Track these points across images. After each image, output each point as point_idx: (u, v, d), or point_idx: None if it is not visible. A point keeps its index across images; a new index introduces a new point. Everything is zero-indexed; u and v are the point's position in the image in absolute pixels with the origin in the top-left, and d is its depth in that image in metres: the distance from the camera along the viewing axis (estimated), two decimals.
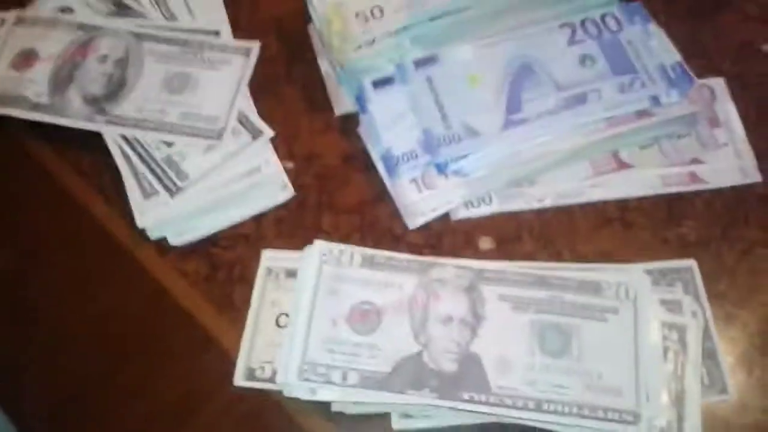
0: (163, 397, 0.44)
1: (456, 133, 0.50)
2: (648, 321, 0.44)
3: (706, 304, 0.46)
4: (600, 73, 0.52)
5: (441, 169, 0.49)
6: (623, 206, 0.51)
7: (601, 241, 0.49)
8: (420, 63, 0.53)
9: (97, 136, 0.52)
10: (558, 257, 0.49)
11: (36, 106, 0.53)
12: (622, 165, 0.52)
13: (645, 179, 0.51)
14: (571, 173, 0.52)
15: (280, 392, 0.43)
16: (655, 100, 0.51)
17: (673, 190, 0.51)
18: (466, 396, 0.41)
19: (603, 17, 0.54)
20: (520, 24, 0.54)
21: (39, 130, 0.54)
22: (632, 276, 0.46)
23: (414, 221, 0.50)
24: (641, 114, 0.51)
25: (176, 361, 0.46)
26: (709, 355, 0.45)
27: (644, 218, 0.50)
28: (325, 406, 0.43)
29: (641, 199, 0.51)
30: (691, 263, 0.48)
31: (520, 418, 0.41)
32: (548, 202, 0.51)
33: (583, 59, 0.53)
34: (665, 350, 0.44)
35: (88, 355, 0.46)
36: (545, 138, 0.50)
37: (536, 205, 0.51)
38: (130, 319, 0.47)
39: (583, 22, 0.54)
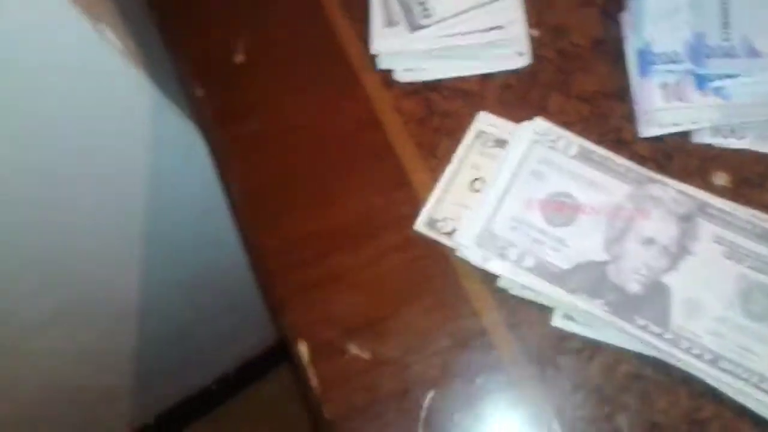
0: (346, 216, 0.47)
1: (733, 47, 0.43)
2: None
3: None
4: None
5: (701, 82, 0.43)
6: None
7: None
8: None
9: None
10: None
11: None
12: None
13: None
14: None
15: (453, 250, 0.44)
16: None
17: None
18: (640, 321, 0.39)
19: None
20: None
21: None
22: None
23: (649, 129, 0.45)
24: None
25: (369, 187, 0.47)
26: None
27: None
28: (491, 277, 0.43)
29: None
30: None
31: (691, 366, 0.38)
32: None
33: None
34: None
35: (293, 158, 0.49)
36: None
37: None
38: (339, 139, 0.49)
39: None
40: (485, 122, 0.47)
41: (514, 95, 0.49)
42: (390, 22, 0.49)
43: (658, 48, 0.45)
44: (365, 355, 0.42)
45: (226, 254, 0.81)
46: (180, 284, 0.87)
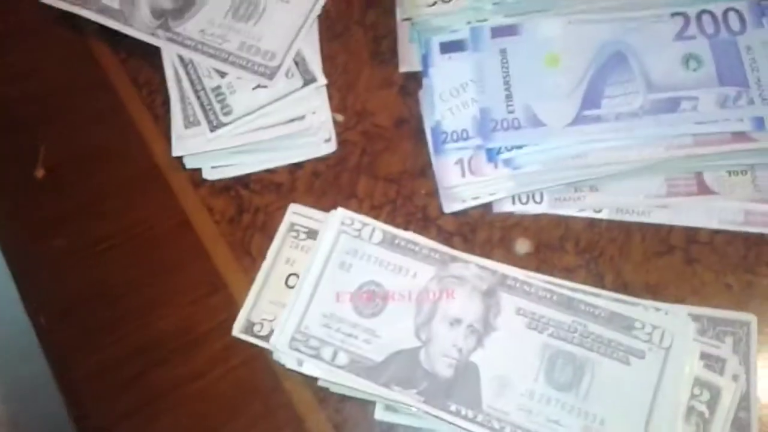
0: (164, 328, 0.45)
1: (517, 119, 0.45)
2: (676, 373, 0.39)
3: (754, 370, 0.40)
4: (703, 78, 0.45)
5: (491, 156, 0.45)
6: (692, 237, 0.45)
7: (653, 271, 0.44)
8: (497, 32, 0.47)
9: (158, 53, 0.51)
10: (599, 279, 0.44)
11: (104, 10, 0.53)
12: (704, 190, 0.45)
13: (726, 211, 0.45)
14: (641, 187, 0.45)
15: (272, 353, 0.42)
16: (759, 122, 0.43)
17: (756, 230, 0.44)
18: (453, 407, 0.39)
19: (726, 12, 0.46)
20: (624, 4, 0.47)
21: (108, 33, 0.54)
22: (674, 318, 0.41)
23: (451, 206, 0.46)
24: (738, 136, 0.43)
25: (184, 295, 0.46)
26: (740, 428, 0.39)
27: (712, 255, 0.44)
28: (312, 378, 0.42)
29: (715, 233, 0.45)
30: (751, 319, 0.41)
31: None
32: (605, 214, 0.45)
33: (687, 59, 0.45)
34: (689, 410, 0.39)
35: (101, 272, 0.47)
36: (619, 143, 0.45)
37: (590, 215, 0.46)
38: (149, 244, 0.48)
39: (699, 15, 0.46)
40: (296, 214, 0.47)
41: (324, 183, 0.49)
42: (190, 122, 0.48)
43: (447, 126, 0.46)
44: None
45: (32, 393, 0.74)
46: None
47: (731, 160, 0.45)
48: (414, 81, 0.50)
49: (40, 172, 0.50)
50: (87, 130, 0.52)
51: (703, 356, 0.40)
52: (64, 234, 0.48)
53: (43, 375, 0.48)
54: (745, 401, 0.40)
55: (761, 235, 0.44)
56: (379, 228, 0.44)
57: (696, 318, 0.41)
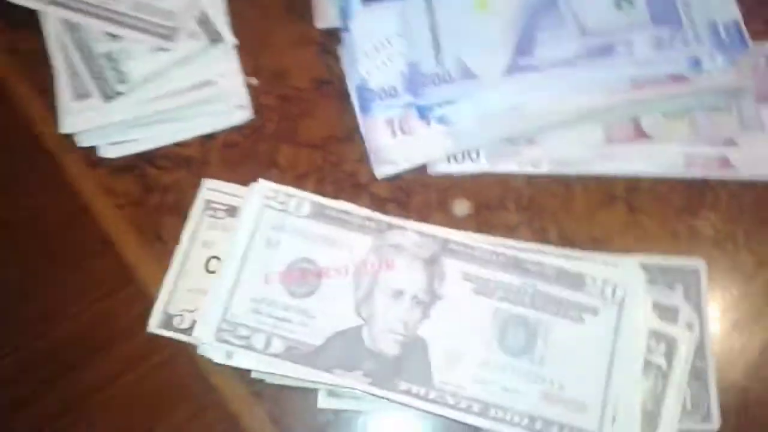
0: (73, 330, 0.39)
1: (447, 72, 0.42)
2: (632, 327, 0.37)
3: (708, 317, 0.39)
4: (636, 20, 0.43)
5: (423, 113, 0.41)
6: (633, 186, 0.43)
7: (598, 223, 0.42)
8: None
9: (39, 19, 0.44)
10: (543, 236, 0.41)
11: None
12: (642, 135, 0.43)
13: (665, 156, 0.43)
14: (578, 138, 0.43)
15: (196, 347, 0.38)
16: (696, 63, 0.42)
17: (697, 174, 0.43)
18: (403, 386, 0.36)
19: None
20: None
21: None
22: (625, 271, 0.39)
23: (382, 169, 0.42)
24: (676, 78, 0.42)
25: (90, 292, 0.40)
26: (698, 376, 0.38)
27: (656, 203, 0.43)
28: (244, 370, 0.37)
29: (657, 181, 0.43)
30: (700, 264, 0.40)
31: (461, 421, 0.35)
32: (544, 168, 0.43)
33: (620, 1, 0.43)
34: (646, 364, 0.37)
35: None
36: (555, 92, 0.42)
37: (530, 170, 0.43)
38: (47, 239, 0.41)
39: None
40: (212, 191, 0.42)
41: (240, 154, 0.44)
42: (80, 95, 0.42)
43: (374, 83, 0.42)
44: None
45: None
46: None
47: (668, 103, 0.43)
48: (333, 38, 0.46)
49: None
50: None
51: (656, 307, 0.38)
52: None
53: None
54: (700, 350, 0.38)
55: (702, 180, 0.43)
56: (307, 199, 0.39)
57: (645, 268, 0.40)
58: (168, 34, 0.44)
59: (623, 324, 0.37)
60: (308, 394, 0.38)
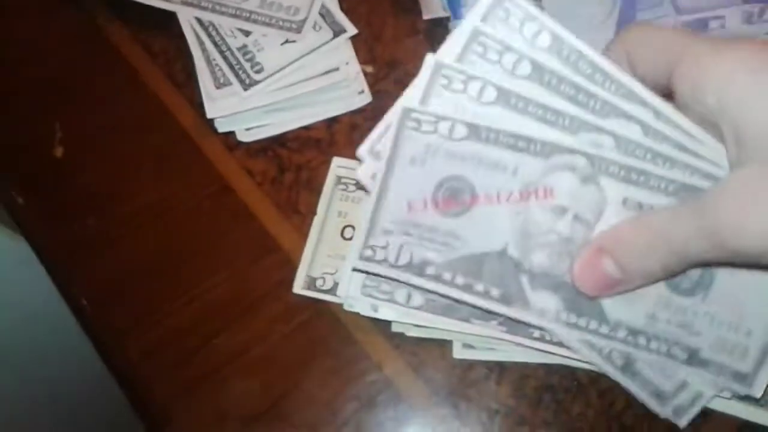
0: (219, 296, 0.43)
1: None
2: None
3: None
4: None
5: None
6: None
7: None
8: None
9: (171, 20, 0.49)
10: None
11: None
12: None
13: None
14: None
15: (339, 305, 0.41)
16: None
17: None
18: (536, 333, 0.39)
19: None
20: None
21: (114, 7, 0.52)
22: None
23: None
24: None
25: (235, 261, 0.44)
26: None
27: None
28: (385, 324, 0.41)
29: None
30: None
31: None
32: None
33: None
34: None
35: (142, 247, 0.45)
36: None
37: None
38: (190, 214, 0.46)
39: None
40: (341, 167, 0.46)
41: (363, 135, 0.47)
42: (221, 83, 0.47)
43: None
44: None
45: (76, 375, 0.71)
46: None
47: None
48: (439, 28, 0.50)
49: (58, 151, 0.48)
50: (105, 106, 0.49)
51: None
52: (94, 212, 0.46)
53: (92, 363, 0.45)
54: None
55: None
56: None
57: None
58: (295, 27, 0.48)
59: None
60: (444, 345, 0.41)
